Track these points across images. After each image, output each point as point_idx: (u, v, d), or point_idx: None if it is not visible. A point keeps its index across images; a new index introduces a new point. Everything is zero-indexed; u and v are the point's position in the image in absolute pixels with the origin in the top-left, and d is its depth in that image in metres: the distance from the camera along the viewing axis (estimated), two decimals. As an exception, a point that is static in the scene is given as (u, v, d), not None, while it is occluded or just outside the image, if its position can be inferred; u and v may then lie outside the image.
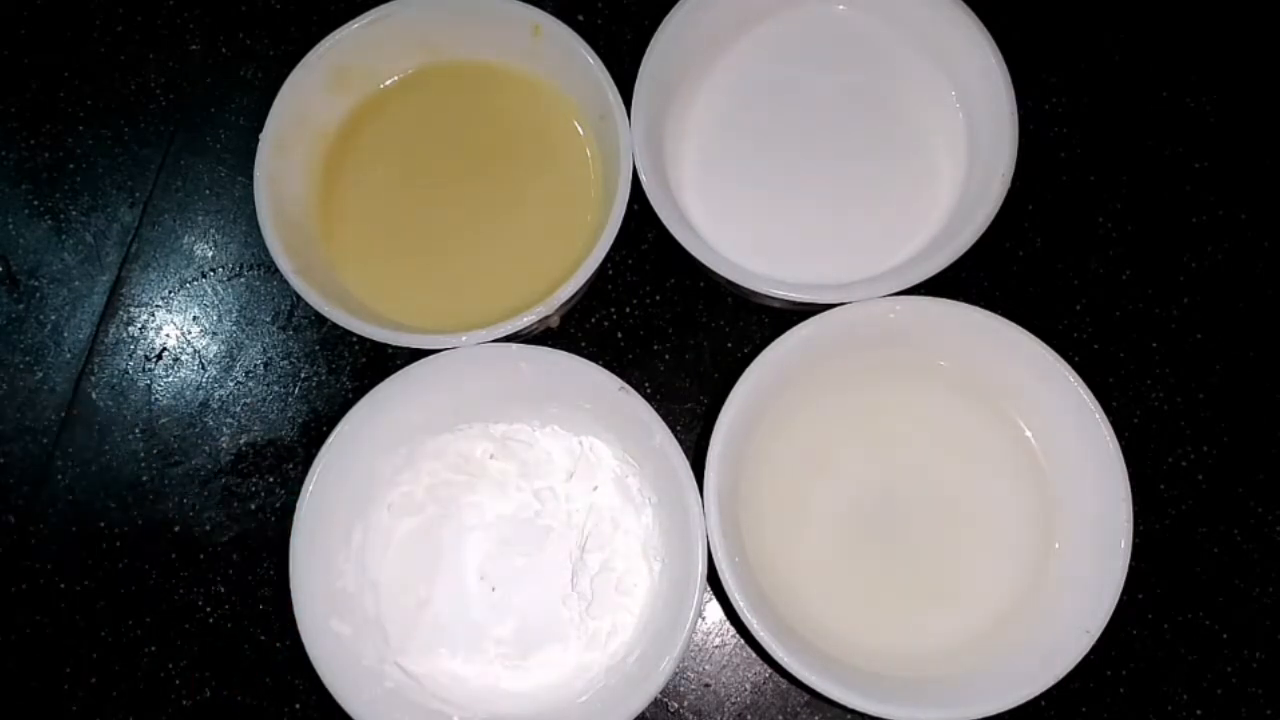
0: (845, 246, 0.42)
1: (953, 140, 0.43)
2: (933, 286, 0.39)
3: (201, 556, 0.45)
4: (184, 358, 0.47)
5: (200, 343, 0.47)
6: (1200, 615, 0.43)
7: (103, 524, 0.45)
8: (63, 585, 0.45)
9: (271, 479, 0.45)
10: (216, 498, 0.45)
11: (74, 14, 0.50)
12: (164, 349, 0.47)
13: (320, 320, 0.46)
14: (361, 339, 0.42)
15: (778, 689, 0.43)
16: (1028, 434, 0.41)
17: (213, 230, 0.48)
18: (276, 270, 0.40)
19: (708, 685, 0.43)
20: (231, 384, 0.46)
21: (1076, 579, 0.38)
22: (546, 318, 0.40)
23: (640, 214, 0.41)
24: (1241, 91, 0.48)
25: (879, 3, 0.44)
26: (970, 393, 0.41)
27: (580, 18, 0.48)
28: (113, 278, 0.47)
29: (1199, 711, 0.42)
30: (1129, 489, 0.37)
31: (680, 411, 0.45)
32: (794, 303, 0.40)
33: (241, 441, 0.46)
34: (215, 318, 0.47)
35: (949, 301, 0.39)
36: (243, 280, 0.47)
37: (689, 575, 0.37)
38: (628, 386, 0.39)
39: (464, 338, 0.39)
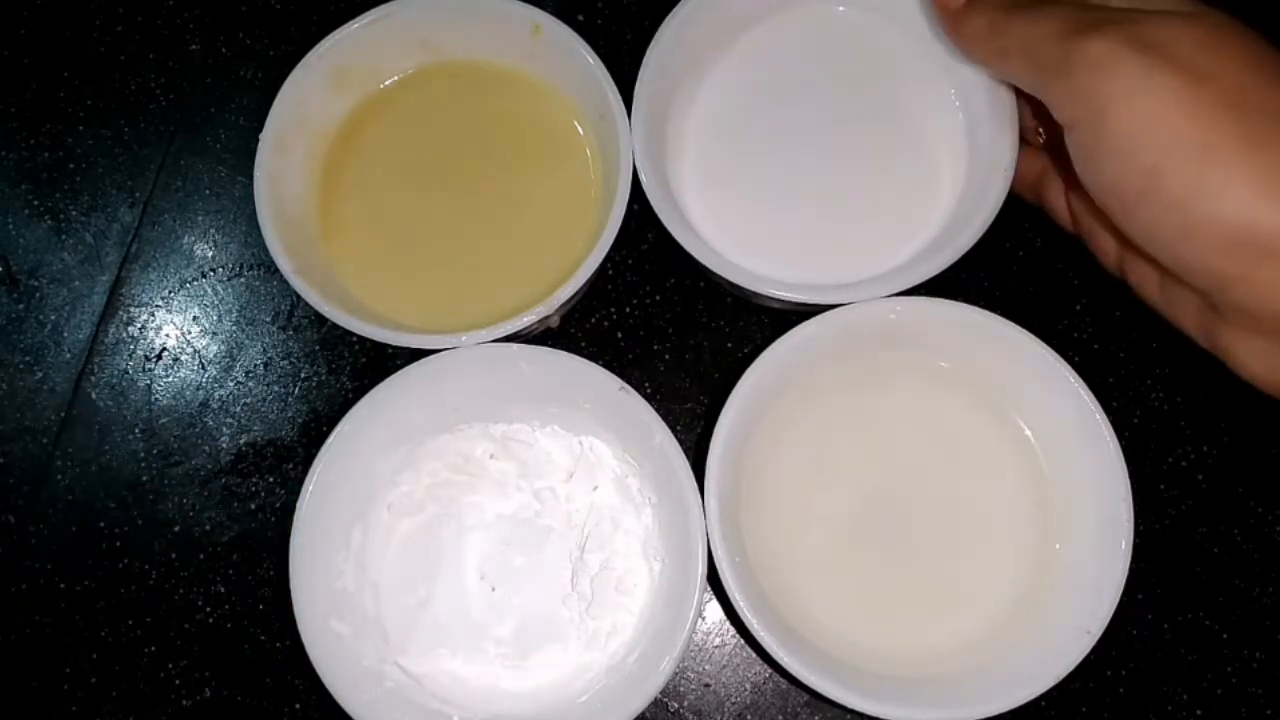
0: (845, 247, 0.42)
1: (953, 140, 0.43)
2: (933, 287, 0.39)
3: (201, 556, 0.45)
4: (184, 358, 0.47)
5: (200, 343, 0.47)
6: (1200, 615, 0.43)
7: (103, 524, 0.45)
8: (63, 585, 0.45)
9: (271, 479, 0.45)
10: (216, 498, 0.45)
11: (74, 14, 0.50)
12: (164, 349, 0.47)
13: (320, 320, 0.46)
14: (361, 339, 0.42)
15: (778, 689, 0.43)
16: (1028, 434, 0.41)
17: (213, 230, 0.48)
18: (276, 270, 0.40)
19: (708, 685, 0.43)
20: (231, 384, 0.46)
21: (1076, 579, 0.38)
22: (546, 318, 0.40)
23: (640, 214, 0.41)
24: (1241, 91, 0.48)
25: (879, 3, 0.44)
26: (970, 393, 0.41)
27: (580, 18, 0.48)
28: (113, 278, 0.47)
29: (1199, 711, 0.42)
30: (1129, 489, 0.37)
31: (680, 411, 0.45)
32: (794, 303, 0.40)
33: (241, 441, 0.46)
34: (215, 318, 0.47)
35: (949, 302, 0.39)
36: (243, 280, 0.47)
37: (689, 575, 0.37)
38: (628, 386, 0.39)
39: (464, 338, 0.39)
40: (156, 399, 0.46)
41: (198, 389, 0.46)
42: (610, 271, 0.46)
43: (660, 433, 0.39)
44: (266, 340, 0.47)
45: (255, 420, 0.46)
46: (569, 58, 0.42)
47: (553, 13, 0.42)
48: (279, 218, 0.41)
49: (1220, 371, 0.45)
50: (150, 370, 0.46)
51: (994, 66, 0.37)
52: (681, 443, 0.39)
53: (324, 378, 0.46)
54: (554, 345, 0.40)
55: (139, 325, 0.47)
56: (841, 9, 0.45)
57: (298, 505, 0.39)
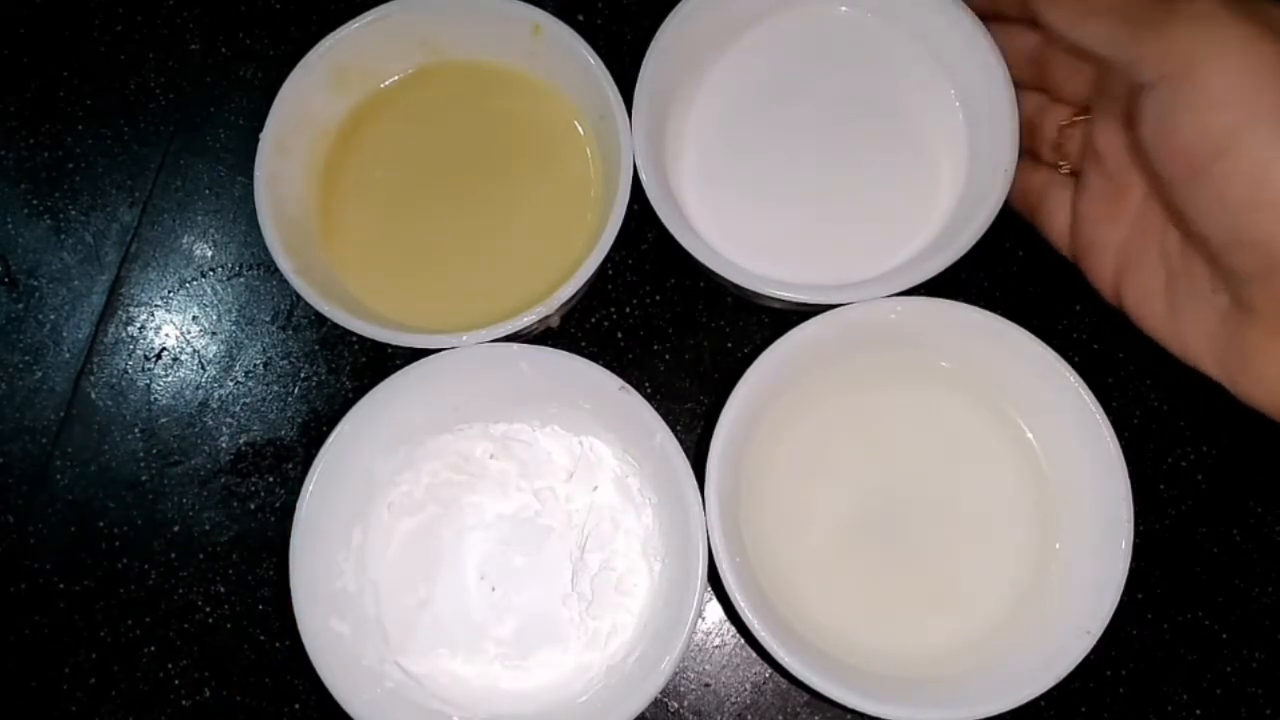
0: (846, 247, 0.42)
1: (953, 140, 0.43)
2: (933, 287, 0.39)
3: (201, 556, 0.45)
4: (184, 357, 0.47)
5: (200, 343, 0.47)
6: (1200, 615, 0.43)
7: (102, 524, 0.45)
8: (62, 585, 0.45)
9: (271, 479, 0.45)
10: (216, 498, 0.45)
11: (74, 14, 0.50)
12: (163, 349, 0.47)
13: (320, 320, 0.46)
14: (361, 339, 0.42)
15: (778, 689, 0.43)
16: (1028, 434, 0.41)
17: (212, 230, 0.48)
18: (276, 270, 0.40)
19: (708, 685, 0.43)
20: (231, 384, 0.46)
21: (1076, 579, 0.38)
22: (546, 318, 0.40)
23: (640, 214, 0.41)
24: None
25: (879, 3, 0.44)
26: (971, 393, 0.41)
27: (580, 18, 0.48)
28: (112, 277, 0.47)
29: (1199, 711, 0.42)
30: (1129, 489, 0.37)
31: (680, 411, 0.45)
32: (794, 303, 0.40)
33: (241, 441, 0.46)
34: (215, 317, 0.47)
35: (949, 302, 0.39)
36: (242, 280, 0.47)
37: (689, 575, 0.37)
38: (628, 386, 0.39)
39: (464, 338, 0.39)
40: (156, 399, 0.46)
41: (197, 389, 0.46)
42: (610, 271, 0.46)
43: (660, 433, 0.39)
44: (266, 340, 0.47)
45: (255, 420, 0.46)
46: (569, 58, 0.42)
47: (553, 13, 0.42)
48: (279, 218, 0.41)
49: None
50: (150, 370, 0.46)
51: (1075, 28, 0.34)
52: (681, 443, 0.39)
53: (324, 378, 0.46)
54: (554, 345, 0.40)
55: (139, 325, 0.47)
56: (842, 9, 0.45)
57: (298, 505, 0.39)
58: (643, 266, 0.46)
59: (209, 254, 0.48)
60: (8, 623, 0.44)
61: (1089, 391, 0.38)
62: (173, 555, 0.45)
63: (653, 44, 0.41)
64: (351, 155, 0.44)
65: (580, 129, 0.44)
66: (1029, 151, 0.41)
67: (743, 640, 0.43)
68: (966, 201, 0.41)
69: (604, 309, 0.46)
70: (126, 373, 0.46)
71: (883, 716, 0.35)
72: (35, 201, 0.48)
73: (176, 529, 0.45)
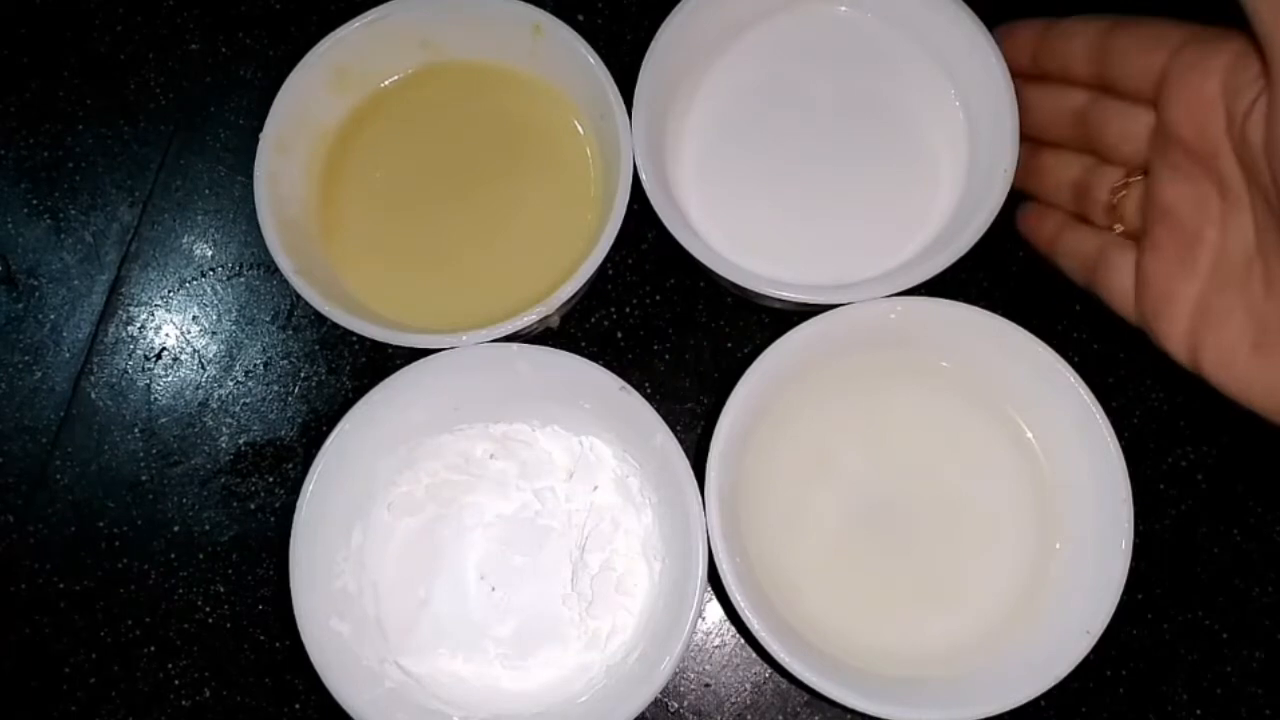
0: (846, 247, 0.42)
1: (953, 140, 0.43)
2: (933, 287, 0.39)
3: (201, 556, 0.45)
4: (184, 357, 0.47)
5: (200, 342, 0.47)
6: (1200, 615, 0.43)
7: (102, 524, 0.45)
8: (62, 585, 0.45)
9: (271, 479, 0.45)
10: (216, 498, 0.45)
11: (74, 14, 0.50)
12: (163, 349, 0.47)
13: (320, 320, 0.46)
14: (361, 339, 0.42)
15: (778, 689, 0.43)
16: (1028, 434, 0.41)
17: (212, 230, 0.48)
18: (276, 270, 0.40)
19: (708, 685, 0.43)
20: (231, 384, 0.46)
21: (1076, 579, 0.38)
22: (546, 318, 0.40)
23: (640, 214, 0.41)
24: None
25: (879, 3, 0.44)
26: (971, 393, 0.41)
27: (580, 18, 0.48)
28: (112, 277, 0.47)
29: (1199, 711, 0.42)
30: (1129, 489, 0.37)
31: (680, 411, 0.45)
32: (794, 303, 0.40)
33: (241, 441, 0.46)
34: (215, 317, 0.47)
35: (949, 302, 0.39)
36: (243, 280, 0.47)
37: (689, 575, 0.37)
38: (628, 386, 0.39)
39: (464, 338, 0.39)
40: (156, 399, 0.46)
41: (197, 389, 0.46)
42: (610, 271, 0.46)
43: (660, 433, 0.39)
44: (266, 340, 0.47)
45: (255, 420, 0.46)
46: (569, 58, 0.42)
47: (553, 13, 0.42)
48: (279, 218, 0.41)
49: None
50: (150, 370, 0.46)
51: None
52: (681, 443, 0.39)
53: (324, 378, 0.46)
54: (554, 345, 0.40)
55: (139, 325, 0.47)
56: (841, 9, 0.45)
57: (298, 505, 0.39)
58: (643, 266, 0.46)
59: (209, 254, 0.48)
60: (8, 623, 0.44)
61: (1089, 391, 0.38)
62: (173, 555, 0.45)
63: (653, 44, 0.41)
64: (351, 155, 0.44)
65: (580, 129, 0.44)
66: (1080, 217, 0.40)
67: (743, 640, 0.43)
68: (966, 201, 0.41)
69: (604, 309, 0.46)
70: (126, 373, 0.46)
71: (883, 716, 0.35)
72: (35, 201, 0.48)
73: (176, 529, 0.45)
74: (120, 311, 0.47)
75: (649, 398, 0.39)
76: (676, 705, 0.43)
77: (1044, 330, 0.39)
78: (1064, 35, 0.39)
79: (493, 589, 0.41)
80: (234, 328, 0.47)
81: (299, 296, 0.39)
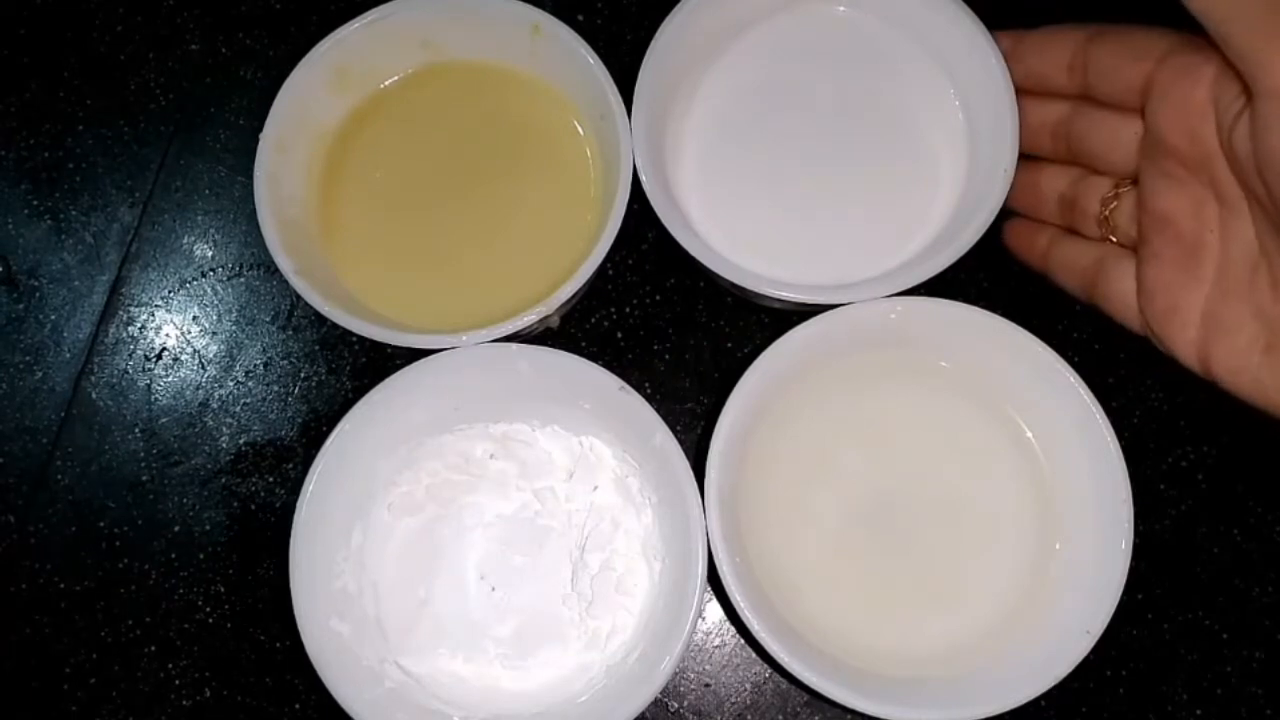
0: (845, 247, 0.42)
1: (953, 140, 0.43)
2: (933, 286, 0.39)
3: (201, 556, 0.45)
4: (184, 358, 0.47)
5: (200, 343, 0.47)
6: (1200, 615, 0.43)
7: (103, 524, 0.45)
8: (63, 585, 0.45)
9: (271, 479, 0.45)
10: (216, 498, 0.45)
11: (74, 14, 0.50)
12: (164, 349, 0.47)
13: (320, 320, 0.46)
14: (361, 339, 0.42)
15: (778, 689, 0.43)
16: (1028, 434, 0.41)
17: (213, 230, 0.48)
18: (276, 270, 0.40)
19: (708, 685, 0.43)
20: (231, 384, 0.46)
21: (1076, 579, 0.38)
22: (546, 318, 0.40)
23: (640, 214, 0.41)
24: (1241, 91, 0.48)
25: (879, 3, 0.44)
26: (971, 393, 0.41)
27: (580, 18, 0.48)
28: (112, 278, 0.47)
29: (1199, 711, 0.42)
30: (1129, 489, 0.37)
31: (680, 411, 0.45)
32: (794, 303, 0.40)
33: (241, 441, 0.46)
34: (215, 318, 0.47)
35: (949, 302, 0.39)
36: (243, 280, 0.47)
37: (689, 575, 0.37)
38: (628, 386, 0.39)
39: (464, 338, 0.39)
40: (156, 399, 0.46)
41: (198, 389, 0.46)
42: (610, 271, 0.46)
43: (660, 433, 0.39)
44: (266, 340, 0.47)
45: (255, 420, 0.46)
46: (569, 58, 0.42)
47: (553, 13, 0.42)
48: (279, 218, 0.41)
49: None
50: (150, 370, 0.46)
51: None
52: (681, 443, 0.39)
53: (324, 378, 0.46)
54: (554, 345, 0.40)
55: (139, 325, 0.47)
56: (841, 9, 0.45)
57: (298, 505, 0.39)
58: (643, 266, 0.46)
59: (209, 254, 0.48)
60: (8, 623, 0.44)
61: (1089, 391, 0.38)
62: (173, 555, 0.45)
63: (653, 44, 0.41)
64: (351, 155, 0.44)
65: (580, 129, 0.44)
66: (1072, 230, 0.40)
67: (743, 640, 0.43)
68: (966, 201, 0.41)
69: (604, 309, 0.46)
70: (127, 373, 0.47)
71: (883, 716, 0.35)
72: (35, 202, 0.48)
73: (177, 529, 0.45)
74: (121, 312, 0.47)
75: (649, 398, 0.39)
76: (676, 705, 0.43)
77: (1044, 330, 0.39)
78: (1039, 47, 0.38)
79: (493, 589, 0.41)
80: (234, 328, 0.47)
81: (299, 296, 0.39)
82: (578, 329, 0.46)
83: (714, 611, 0.44)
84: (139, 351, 0.47)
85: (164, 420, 0.46)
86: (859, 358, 0.41)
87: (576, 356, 0.40)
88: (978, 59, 0.41)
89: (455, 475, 0.42)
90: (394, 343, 0.39)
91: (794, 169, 0.43)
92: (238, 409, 0.46)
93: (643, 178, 0.40)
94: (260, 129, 0.41)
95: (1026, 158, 0.40)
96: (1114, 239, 0.38)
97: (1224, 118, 0.31)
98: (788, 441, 0.41)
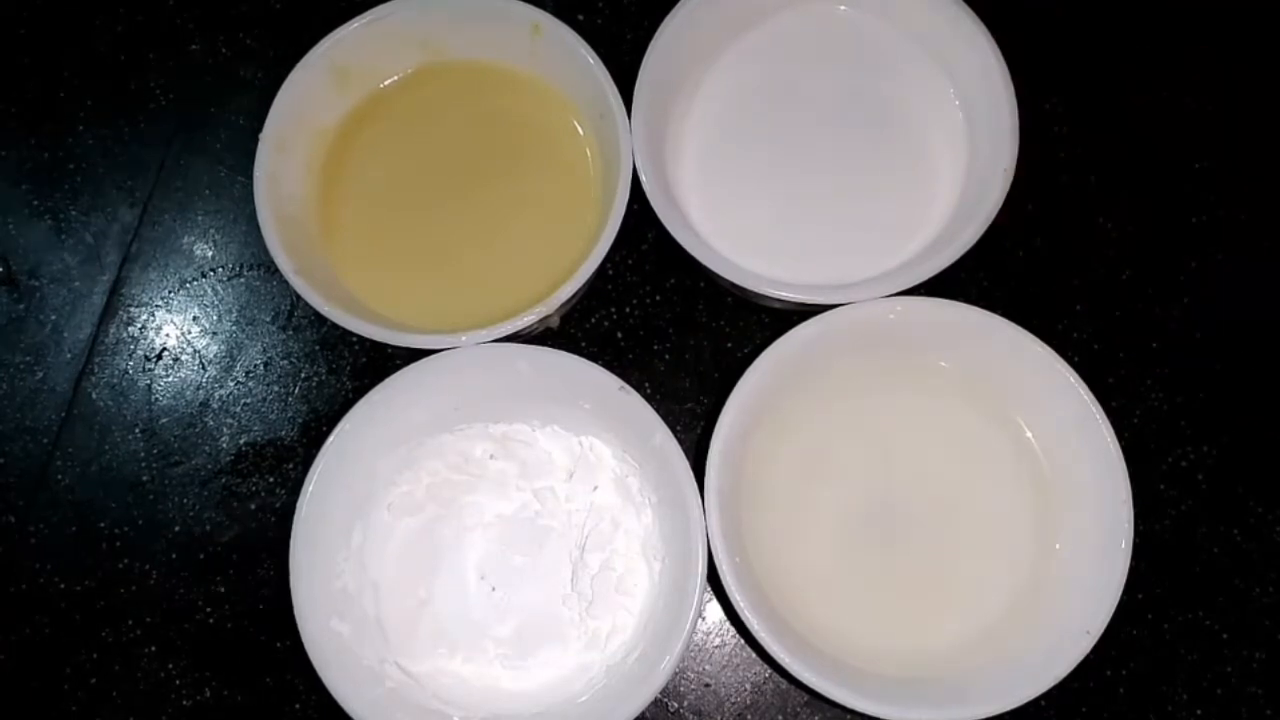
0: (845, 247, 0.42)
1: (953, 140, 0.43)
2: (933, 287, 0.39)
3: (201, 556, 0.45)
4: (184, 358, 0.47)
5: (200, 343, 0.47)
6: (1200, 615, 0.43)
7: (103, 524, 0.45)
8: (63, 585, 0.45)
9: (271, 479, 0.45)
10: (216, 498, 0.45)
11: (74, 14, 0.50)
12: (164, 349, 0.47)
13: (320, 320, 0.46)
14: (361, 339, 0.42)
15: (778, 689, 0.43)
16: (1028, 434, 0.41)
17: (213, 230, 0.48)
18: (276, 270, 0.40)
19: (708, 685, 0.43)
20: (231, 384, 0.46)
21: (1076, 579, 0.38)
22: (546, 318, 0.40)
23: (640, 214, 0.41)
24: (1241, 91, 0.48)
25: (879, 3, 0.44)
26: (971, 393, 0.41)
27: (580, 18, 0.48)
28: (113, 278, 0.47)
29: (1199, 711, 0.42)
30: (1129, 489, 0.37)
31: (680, 411, 0.45)
32: (794, 303, 0.40)
33: (241, 441, 0.46)
34: (215, 318, 0.47)
35: (949, 302, 0.39)
36: (243, 280, 0.47)
37: (689, 575, 0.37)
38: (628, 386, 0.39)
39: (464, 338, 0.39)
40: (156, 399, 0.46)
41: (198, 389, 0.46)
42: (610, 271, 0.46)
43: (660, 433, 0.39)
44: (266, 340, 0.47)
45: (255, 420, 0.46)
46: (569, 58, 0.42)
47: (553, 13, 0.42)
48: (279, 218, 0.41)
49: (1220, 371, 0.45)
50: (150, 370, 0.47)
51: None
52: (681, 443, 0.39)
53: (324, 378, 0.46)
54: (554, 345, 0.40)
55: (139, 325, 0.47)
56: (841, 9, 0.45)
57: (298, 505, 0.39)
58: (643, 266, 0.46)
59: (209, 254, 0.48)
60: (8, 623, 0.44)
61: (1089, 391, 0.38)
62: (173, 555, 0.45)
63: (652, 44, 0.41)
64: (351, 155, 0.44)
65: (580, 129, 0.44)
66: None
67: (743, 640, 0.43)
68: (966, 201, 0.41)
69: (604, 309, 0.46)
70: (127, 373, 0.47)
71: (883, 716, 0.35)
72: (36, 202, 0.48)
73: (177, 529, 0.45)
74: (121, 312, 0.47)
75: (649, 398, 0.39)
76: (676, 705, 0.43)
77: (1044, 330, 0.39)
78: None
79: (493, 589, 0.41)
80: (234, 328, 0.47)
81: (299, 296, 0.39)
82: (578, 329, 0.46)
83: (714, 611, 0.44)
84: (139, 351, 0.47)
85: (164, 420, 0.46)
86: (859, 358, 0.41)
87: (576, 356, 0.40)
88: (978, 59, 0.41)
89: (455, 475, 0.42)
90: (394, 343, 0.39)
91: (794, 169, 0.43)
92: (238, 409, 0.46)
93: (643, 178, 0.40)
94: (260, 129, 0.41)
95: None
96: None
97: None
98: (788, 441, 0.41)
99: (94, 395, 0.46)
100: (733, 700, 0.43)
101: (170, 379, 0.46)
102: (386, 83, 0.45)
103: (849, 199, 0.43)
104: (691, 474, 0.38)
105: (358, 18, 0.42)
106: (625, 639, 0.40)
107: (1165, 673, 0.43)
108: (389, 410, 0.40)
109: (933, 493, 0.41)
